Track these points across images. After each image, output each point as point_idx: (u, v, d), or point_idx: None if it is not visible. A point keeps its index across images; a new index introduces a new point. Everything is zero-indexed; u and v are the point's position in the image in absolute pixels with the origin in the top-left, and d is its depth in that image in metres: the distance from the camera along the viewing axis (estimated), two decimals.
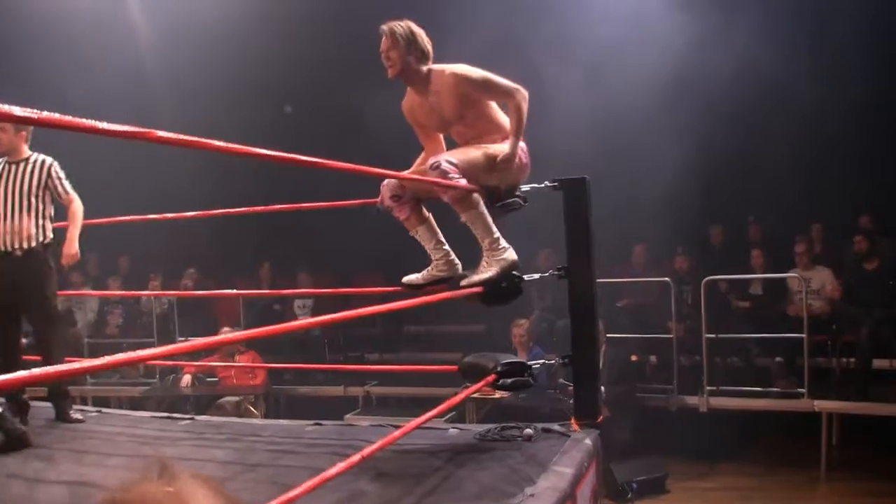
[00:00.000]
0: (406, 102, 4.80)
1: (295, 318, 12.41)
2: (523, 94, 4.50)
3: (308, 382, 11.70)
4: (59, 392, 5.80)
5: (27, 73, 10.61)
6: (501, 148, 4.54)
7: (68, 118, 2.05)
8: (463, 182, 4.33)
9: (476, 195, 4.46)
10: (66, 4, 11.59)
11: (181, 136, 2.39)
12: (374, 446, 3.46)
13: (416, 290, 4.80)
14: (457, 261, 4.82)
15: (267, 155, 2.85)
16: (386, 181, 4.72)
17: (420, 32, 4.51)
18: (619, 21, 10.54)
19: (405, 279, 4.86)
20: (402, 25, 4.47)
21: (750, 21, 10.50)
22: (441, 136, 4.92)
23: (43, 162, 5.75)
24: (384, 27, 4.48)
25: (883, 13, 10.45)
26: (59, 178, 5.79)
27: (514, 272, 4.55)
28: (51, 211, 5.81)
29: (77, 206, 5.82)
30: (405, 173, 4.61)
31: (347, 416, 9.56)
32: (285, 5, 11.68)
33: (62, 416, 5.69)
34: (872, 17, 10.41)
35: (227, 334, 10.22)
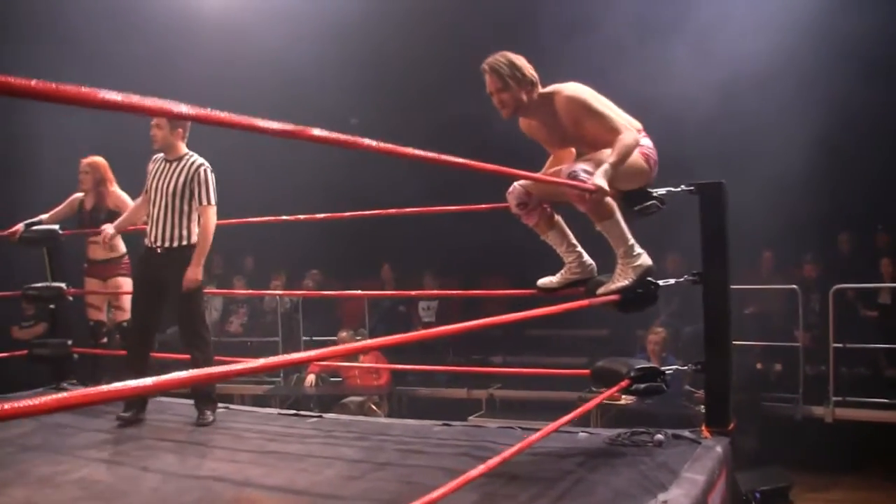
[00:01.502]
0: (523, 123, 4.70)
1: (420, 319, 12.53)
2: (632, 134, 4.32)
3: (431, 384, 11.79)
4: (203, 394, 5.79)
5: (176, 75, 10.86)
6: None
7: (227, 115, 2.08)
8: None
9: (612, 203, 4.36)
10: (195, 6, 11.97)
11: (336, 135, 2.40)
12: (513, 449, 3.46)
13: (550, 293, 4.79)
14: (590, 261, 4.78)
15: (413, 154, 2.84)
16: (511, 189, 4.68)
17: (521, 62, 4.37)
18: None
19: (540, 282, 4.85)
20: (502, 63, 4.32)
21: None
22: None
23: (193, 163, 5.68)
24: (485, 66, 4.36)
25: None
26: (203, 183, 5.66)
27: (649, 278, 4.49)
28: (196, 216, 5.71)
29: (209, 221, 5.69)
30: (539, 174, 4.55)
31: (471, 417, 9.59)
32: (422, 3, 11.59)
33: (199, 416, 5.68)
34: None
35: (346, 336, 10.50)
